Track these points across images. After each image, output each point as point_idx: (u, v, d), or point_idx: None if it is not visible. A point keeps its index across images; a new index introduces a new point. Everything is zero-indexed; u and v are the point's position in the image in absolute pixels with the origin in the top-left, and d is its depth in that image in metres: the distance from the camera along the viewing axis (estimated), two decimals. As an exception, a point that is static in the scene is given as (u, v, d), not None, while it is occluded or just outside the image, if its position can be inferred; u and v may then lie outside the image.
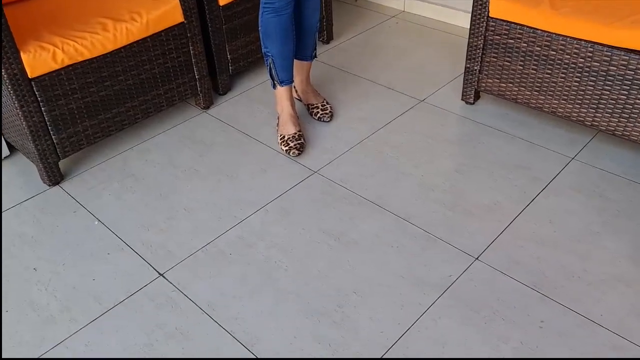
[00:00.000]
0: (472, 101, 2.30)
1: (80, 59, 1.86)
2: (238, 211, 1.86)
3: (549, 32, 1.94)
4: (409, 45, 2.78)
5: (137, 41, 1.99)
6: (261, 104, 2.39)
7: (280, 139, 2.11)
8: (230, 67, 2.42)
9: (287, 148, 2.07)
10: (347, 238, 1.73)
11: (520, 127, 2.16)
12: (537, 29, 1.96)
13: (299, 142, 2.08)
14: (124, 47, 1.96)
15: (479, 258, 1.65)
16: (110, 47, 1.92)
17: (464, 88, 2.29)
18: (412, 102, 2.35)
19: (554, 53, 1.96)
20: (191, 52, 2.18)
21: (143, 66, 2.05)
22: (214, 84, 2.40)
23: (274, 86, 2.11)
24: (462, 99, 2.32)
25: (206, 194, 1.94)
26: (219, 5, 2.26)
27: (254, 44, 2.46)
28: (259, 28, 2.01)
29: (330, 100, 2.37)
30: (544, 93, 2.05)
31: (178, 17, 2.08)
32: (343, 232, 1.75)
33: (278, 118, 2.18)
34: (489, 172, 1.96)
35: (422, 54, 2.69)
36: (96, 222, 1.84)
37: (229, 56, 2.39)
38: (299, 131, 2.11)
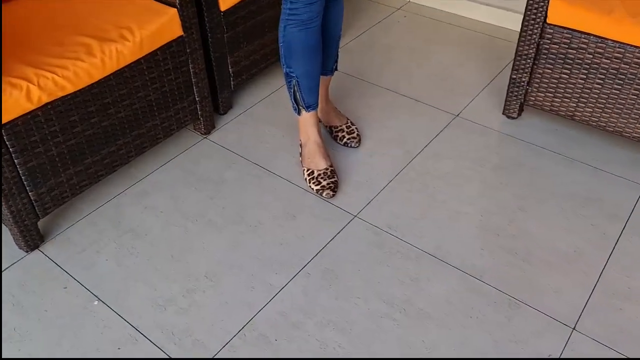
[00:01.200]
0: (515, 115, 2.02)
1: (61, 94, 1.45)
2: (272, 276, 1.52)
3: (622, 42, 1.66)
4: (424, 45, 2.46)
5: (130, 64, 1.59)
6: (269, 124, 2.03)
7: (309, 175, 1.76)
8: (232, 83, 2.04)
9: (318, 187, 1.73)
10: (414, 308, 1.43)
11: (576, 147, 1.90)
12: (608, 39, 1.68)
13: (332, 180, 1.74)
14: (114, 73, 1.56)
15: (576, 328, 1.38)
16: (97, 75, 1.51)
17: (507, 101, 2.00)
18: (446, 118, 2.05)
19: (627, 67, 1.68)
20: (191, 70, 1.79)
21: (137, 94, 1.65)
22: (214, 103, 2.02)
23: (299, 112, 1.76)
24: (503, 113, 2.03)
25: (228, 252, 1.59)
26: (220, 11, 1.86)
27: (257, 52, 2.08)
28: (280, 43, 1.65)
29: (351, 116, 2.04)
30: (608, 111, 1.79)
31: (176, 30, 1.69)
32: (407, 300, 1.45)
33: (300, 146, 1.83)
34: (558, 208, 1.69)
35: (443, 56, 2.38)
36: (95, 302, 1.46)
37: (230, 70, 2.00)
38: (331, 165, 1.77)
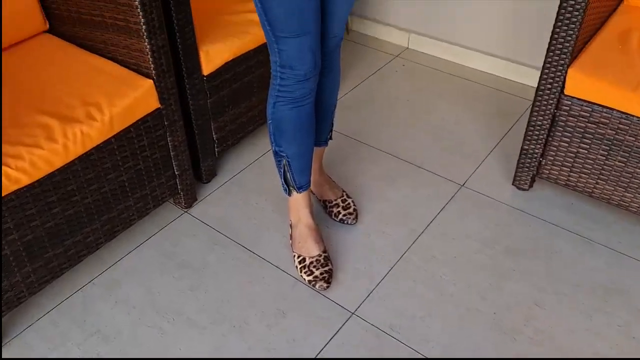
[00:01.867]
0: (526, 187, 1.85)
1: (14, 187, 1.26)
2: (259, 393, 1.32)
3: (649, 120, 1.50)
4: (425, 99, 2.29)
5: (98, 145, 1.40)
6: (257, 194, 1.85)
7: (300, 263, 1.57)
8: (216, 150, 1.85)
9: (311, 278, 1.54)
10: None
11: (596, 227, 1.72)
12: (634, 116, 1.52)
13: (326, 268, 1.55)
14: (79, 157, 1.37)
15: None
16: (58, 162, 1.32)
17: (517, 171, 1.83)
18: (451, 188, 1.87)
19: (654, 146, 1.52)
20: (169, 144, 1.60)
21: (106, 176, 1.46)
22: (196, 172, 1.83)
23: (289, 193, 1.57)
24: (513, 184, 1.86)
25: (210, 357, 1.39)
26: (203, 76, 1.68)
27: (244, 115, 1.89)
28: (268, 121, 1.46)
29: (346, 185, 1.86)
30: (632, 191, 1.62)
31: (153, 103, 1.50)
32: None
33: (291, 227, 1.64)
34: (578, 303, 1.51)
35: (445, 112, 2.21)
36: None
37: (214, 136, 1.82)
38: (324, 251, 1.58)
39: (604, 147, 1.60)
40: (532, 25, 2.23)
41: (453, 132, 2.11)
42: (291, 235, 1.64)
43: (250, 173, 1.94)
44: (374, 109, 2.24)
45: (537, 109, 1.67)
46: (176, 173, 1.67)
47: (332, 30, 1.43)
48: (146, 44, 1.42)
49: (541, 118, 1.68)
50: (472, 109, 2.23)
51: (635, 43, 1.63)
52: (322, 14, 1.37)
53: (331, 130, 1.71)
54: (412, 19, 2.56)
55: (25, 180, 1.26)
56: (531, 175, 1.80)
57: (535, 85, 2.29)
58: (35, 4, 1.60)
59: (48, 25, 1.66)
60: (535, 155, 1.75)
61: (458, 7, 2.39)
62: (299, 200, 1.58)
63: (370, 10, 2.66)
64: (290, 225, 1.64)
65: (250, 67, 1.82)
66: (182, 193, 1.73)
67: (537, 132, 1.71)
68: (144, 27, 1.40)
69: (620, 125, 1.55)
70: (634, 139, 1.54)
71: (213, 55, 1.67)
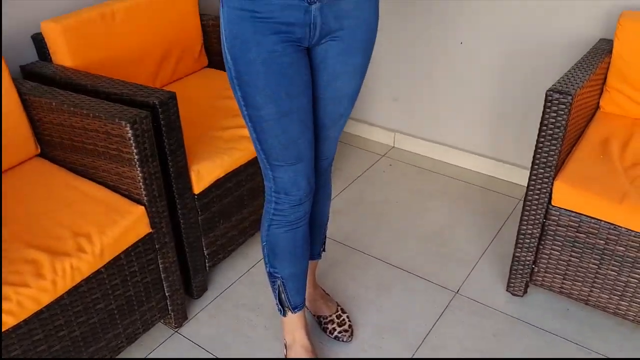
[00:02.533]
0: (521, 294, 1.83)
1: None
2: None
3: (638, 232, 1.51)
4: (413, 199, 2.31)
5: (87, 277, 1.37)
6: (249, 310, 1.81)
7: (296, 387, 1.52)
8: (207, 265, 1.83)
9: (307, 406, 1.49)
10: None
11: (593, 335, 1.70)
12: (621, 227, 1.53)
13: (323, 394, 1.50)
14: (68, 290, 1.34)
15: None
16: (46, 299, 1.29)
17: (511, 278, 1.82)
18: (446, 296, 1.85)
19: (645, 256, 1.53)
20: (160, 266, 1.58)
21: (95, 307, 1.42)
22: (186, 288, 1.80)
23: (284, 313, 1.54)
24: (507, 290, 1.85)
25: None
26: (194, 194, 1.69)
27: (235, 228, 1.89)
28: (262, 242, 1.46)
29: (339, 296, 1.83)
30: (627, 299, 1.61)
31: (144, 229, 1.49)
32: None
33: (285, 347, 1.60)
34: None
35: (434, 213, 2.22)
36: None
37: (205, 252, 1.80)
38: (320, 374, 1.54)
39: (595, 256, 1.61)
40: (516, 125, 2.30)
41: (443, 234, 2.12)
42: (286, 356, 1.59)
43: (242, 285, 1.91)
44: (363, 212, 2.25)
45: (526, 218, 1.69)
46: (167, 294, 1.64)
47: (324, 153, 1.47)
48: (138, 172, 1.43)
49: (531, 227, 1.69)
50: (460, 209, 2.25)
51: (616, 152, 1.68)
52: (315, 139, 1.40)
53: (324, 243, 1.71)
54: (397, 119, 2.63)
55: (11, 322, 1.23)
56: (525, 282, 1.80)
57: (522, 183, 2.34)
58: (28, 132, 1.62)
59: (39, 150, 1.67)
60: (528, 263, 1.75)
61: (441, 107, 2.46)
62: (294, 321, 1.55)
63: (356, 110, 2.74)
64: (285, 346, 1.60)
65: (241, 181, 1.84)
66: (172, 314, 1.69)
67: (527, 240, 1.72)
68: (136, 157, 1.41)
69: (610, 236, 1.56)
70: (624, 249, 1.55)
71: (204, 174, 1.68)
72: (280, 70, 1.22)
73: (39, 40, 1.79)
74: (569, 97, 1.50)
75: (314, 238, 1.61)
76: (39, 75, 1.74)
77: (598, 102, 1.90)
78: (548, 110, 1.53)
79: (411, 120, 2.59)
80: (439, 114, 2.49)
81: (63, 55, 1.76)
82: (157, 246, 1.55)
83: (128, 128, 1.38)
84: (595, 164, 1.64)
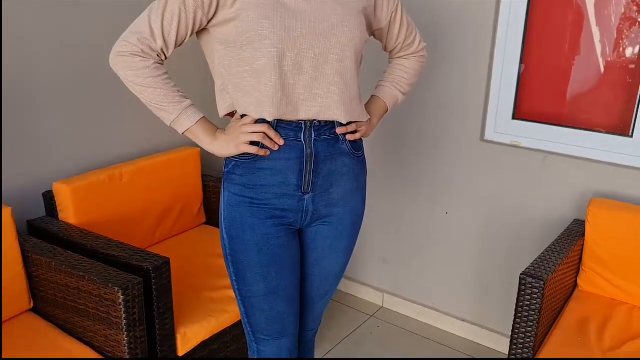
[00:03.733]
0: None
1: None
2: None
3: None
4: (400, 365, 2.30)
5: None
6: None
7: None
8: None
9: None
10: None
11: None
12: (601, 415, 1.54)
13: None
14: None
15: None
16: None
17: None
18: None
19: None
20: None
21: None
22: None
23: None
24: None
25: None
26: (178, 357, 1.70)
27: (216, 391, 1.88)
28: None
29: None
30: None
31: (122, 395, 1.50)
32: None
33: None
34: None
35: (420, 382, 2.20)
36: None
37: (183, 416, 1.78)
38: None
39: None
40: (501, 294, 2.35)
41: (428, 406, 2.08)
42: None
43: None
44: (348, 376, 2.23)
45: (507, 398, 1.69)
46: None
47: (309, 325, 1.52)
48: (124, 336, 1.47)
49: (512, 408, 1.68)
50: (446, 378, 2.23)
51: (593, 334, 1.71)
52: (302, 312, 1.46)
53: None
54: (386, 280, 2.69)
55: None
56: None
57: (505, 351, 2.34)
58: (24, 287, 1.69)
59: (32, 305, 1.72)
60: None
61: (428, 272, 2.54)
62: None
63: (347, 268, 2.80)
64: None
65: (226, 342, 1.86)
66: None
67: (510, 422, 1.70)
68: (124, 321, 1.46)
69: (590, 423, 1.55)
70: None
71: (190, 337, 1.72)
72: (272, 252, 1.32)
73: (49, 198, 1.92)
74: (541, 282, 1.58)
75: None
76: (44, 231, 1.84)
77: (576, 281, 1.97)
78: (522, 293, 1.60)
79: (399, 282, 2.65)
80: (426, 279, 2.56)
81: (69, 213, 1.88)
82: (134, 412, 1.54)
83: (120, 294, 1.45)
84: (572, 348, 1.67)
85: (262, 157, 1.27)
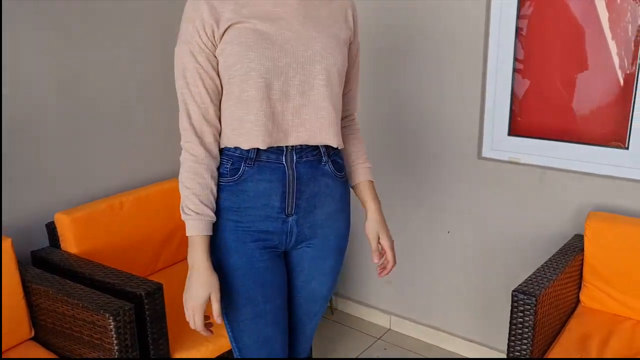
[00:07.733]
0: None
1: None
2: None
3: None
4: (406, 388, 2.27)
5: None
6: None
7: None
8: None
9: None
10: None
11: None
12: None
13: None
14: None
15: None
16: None
17: None
18: None
19: None
20: None
21: None
22: None
23: None
24: None
25: None
26: (173, 383, 1.72)
27: (216, 417, 1.88)
28: None
29: None
30: None
31: (116, 420, 1.52)
32: None
33: None
34: None
35: (426, 405, 2.17)
36: None
37: None
38: None
39: None
40: (507, 312, 2.31)
41: None
42: None
43: None
44: (353, 400, 2.21)
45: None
46: None
47: (300, 346, 1.53)
48: (116, 362, 1.50)
49: None
50: (453, 400, 2.19)
51: (594, 351, 1.68)
52: (291, 335, 1.47)
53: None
54: (392, 302, 2.67)
55: None
56: None
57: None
58: (25, 317, 1.73)
59: (33, 333, 1.76)
60: None
61: (433, 293, 2.51)
62: None
63: (354, 291, 2.80)
64: None
65: (222, 367, 1.87)
66: None
67: None
68: (116, 347, 1.49)
69: None
70: None
71: (185, 363, 1.73)
72: (257, 275, 1.33)
73: (51, 228, 1.98)
74: (533, 299, 1.55)
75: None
76: (46, 261, 1.89)
77: (578, 297, 1.94)
78: (515, 310, 1.58)
79: (405, 303, 2.63)
80: (431, 299, 2.53)
81: (70, 242, 1.93)
82: None
83: (111, 320, 1.47)
84: (572, 364, 1.64)
85: (246, 179, 1.29)
